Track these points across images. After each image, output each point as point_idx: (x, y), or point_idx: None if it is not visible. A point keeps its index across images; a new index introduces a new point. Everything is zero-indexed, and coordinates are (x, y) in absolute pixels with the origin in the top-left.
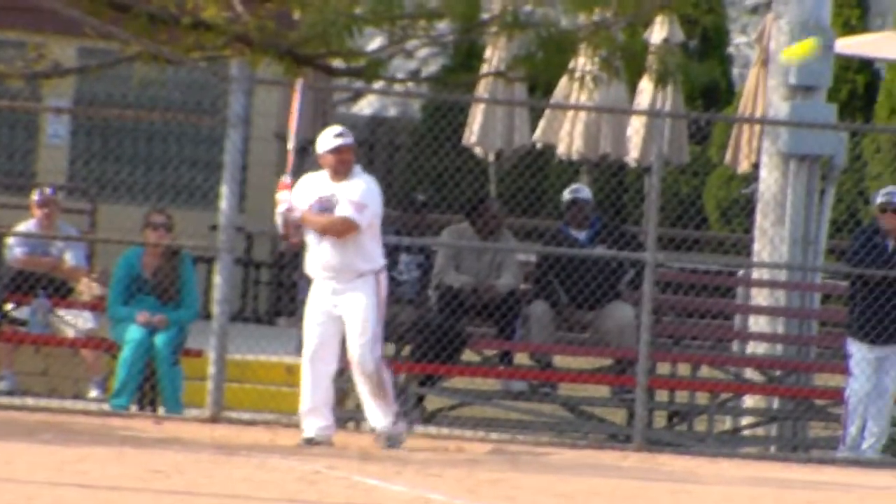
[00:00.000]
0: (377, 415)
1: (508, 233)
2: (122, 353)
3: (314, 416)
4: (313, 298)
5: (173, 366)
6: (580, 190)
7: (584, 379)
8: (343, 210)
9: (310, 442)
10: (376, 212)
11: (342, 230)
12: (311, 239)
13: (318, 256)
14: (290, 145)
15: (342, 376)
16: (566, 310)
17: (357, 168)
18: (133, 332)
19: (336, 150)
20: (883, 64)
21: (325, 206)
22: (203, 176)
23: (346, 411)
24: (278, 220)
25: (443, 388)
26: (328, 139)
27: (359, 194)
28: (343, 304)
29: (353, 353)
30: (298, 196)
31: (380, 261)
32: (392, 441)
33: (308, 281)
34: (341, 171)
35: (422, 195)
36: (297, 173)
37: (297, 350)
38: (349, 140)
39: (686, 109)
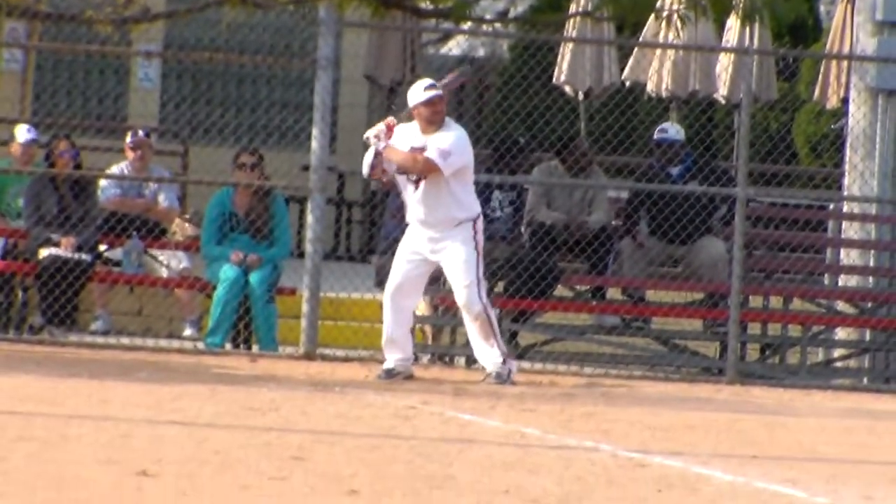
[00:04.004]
0: (487, 355)
1: (599, 170)
2: (217, 292)
3: (394, 348)
4: (409, 240)
5: (268, 304)
6: (667, 129)
7: (676, 313)
8: (428, 154)
9: (389, 373)
10: (465, 161)
11: (421, 168)
12: (405, 190)
13: (415, 209)
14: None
15: (446, 315)
16: (655, 246)
17: (448, 120)
18: (227, 272)
19: (429, 102)
20: None
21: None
22: (294, 117)
23: (440, 347)
24: (366, 156)
25: (536, 324)
26: (419, 92)
27: (447, 142)
28: (441, 251)
29: (460, 298)
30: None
31: (476, 208)
32: (502, 378)
33: (396, 222)
34: (435, 122)
35: (521, 138)
36: (386, 113)
37: (378, 285)
38: (441, 91)
39: (774, 46)
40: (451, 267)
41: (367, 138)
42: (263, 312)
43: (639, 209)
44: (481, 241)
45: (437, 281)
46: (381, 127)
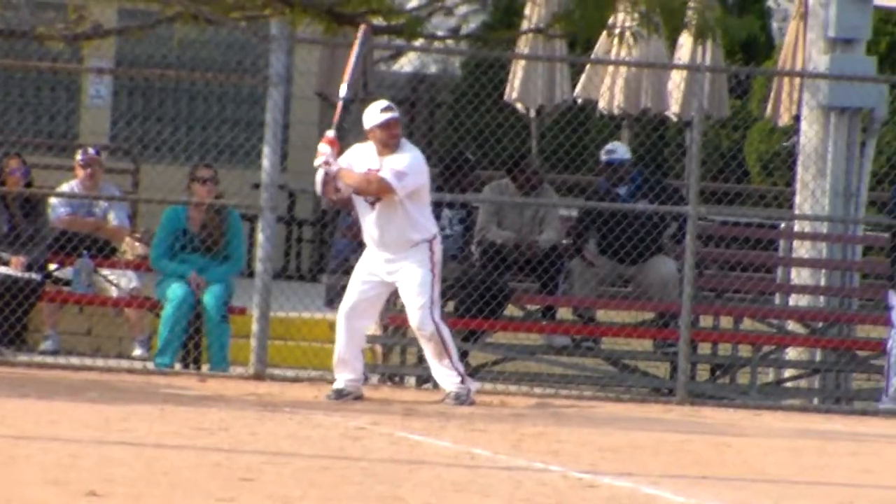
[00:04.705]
0: (444, 376)
1: (550, 188)
2: (165, 312)
3: (345, 368)
4: (366, 262)
5: (221, 322)
6: (615, 150)
7: (626, 333)
8: (383, 174)
9: (339, 393)
10: (421, 182)
11: (375, 190)
12: (361, 211)
13: (370, 229)
14: (342, 94)
15: (396, 335)
16: (605, 266)
17: (404, 141)
18: (176, 290)
19: (385, 125)
20: None
21: None
22: (245, 135)
23: (389, 367)
24: (317, 175)
25: (486, 344)
26: (375, 114)
27: (402, 164)
28: (397, 272)
29: (412, 318)
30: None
31: (432, 229)
32: (461, 399)
33: (347, 241)
34: (390, 145)
35: (471, 155)
36: (340, 129)
37: (328, 304)
38: (396, 114)
39: (726, 63)
40: (405, 288)
41: (318, 167)
42: (217, 331)
43: (589, 228)
44: (438, 263)
45: (386, 301)
46: (325, 150)
